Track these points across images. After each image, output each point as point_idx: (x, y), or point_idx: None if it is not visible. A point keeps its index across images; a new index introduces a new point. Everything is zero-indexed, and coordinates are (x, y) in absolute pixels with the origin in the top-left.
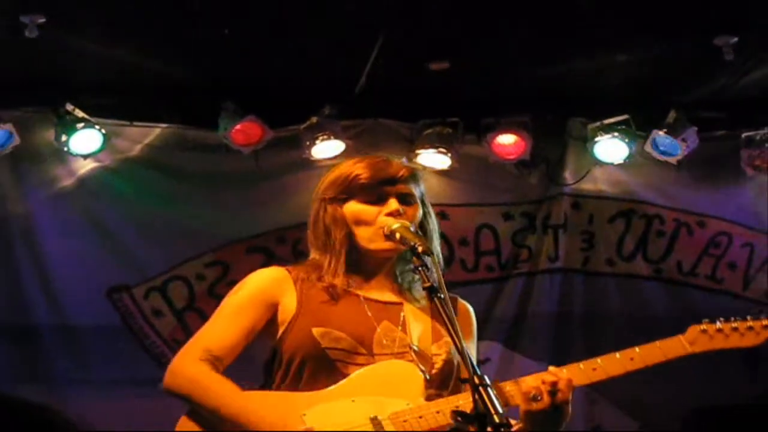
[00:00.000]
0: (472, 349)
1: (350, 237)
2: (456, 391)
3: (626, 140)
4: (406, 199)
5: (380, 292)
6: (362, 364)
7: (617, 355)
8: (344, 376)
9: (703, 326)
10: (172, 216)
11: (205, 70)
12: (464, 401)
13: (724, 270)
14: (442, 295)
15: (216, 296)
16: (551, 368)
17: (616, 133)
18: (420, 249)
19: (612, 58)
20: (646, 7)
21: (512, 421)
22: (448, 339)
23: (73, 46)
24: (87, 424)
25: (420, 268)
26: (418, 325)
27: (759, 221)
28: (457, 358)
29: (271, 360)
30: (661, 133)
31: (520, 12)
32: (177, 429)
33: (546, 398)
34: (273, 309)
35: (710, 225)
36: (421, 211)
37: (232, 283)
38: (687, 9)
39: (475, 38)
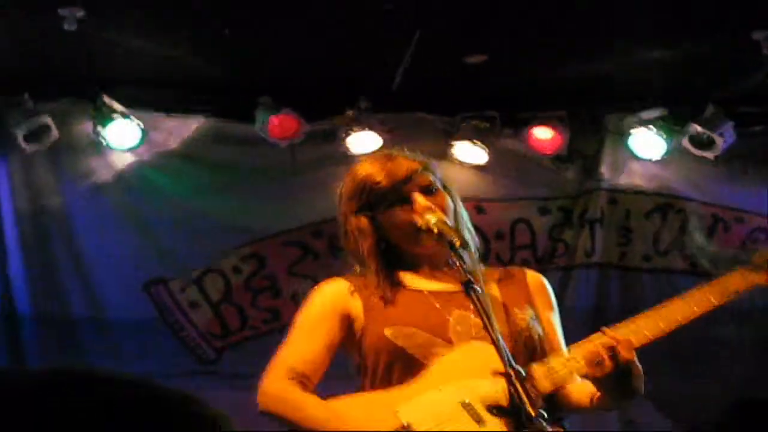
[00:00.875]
0: (555, 321)
1: (379, 244)
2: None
3: (663, 135)
4: (428, 190)
5: (441, 283)
6: (443, 354)
7: (679, 299)
8: (427, 368)
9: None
10: (208, 209)
11: (243, 64)
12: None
13: None
14: (479, 288)
15: (252, 289)
16: (606, 330)
17: (653, 128)
18: (457, 243)
19: (650, 53)
20: (684, 1)
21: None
22: (523, 314)
23: (111, 39)
24: None
25: (457, 263)
26: (493, 308)
27: None
28: (536, 330)
29: (358, 370)
30: (698, 127)
31: (558, 5)
32: None
33: (608, 362)
34: (346, 319)
35: (748, 221)
36: (449, 198)
37: (269, 278)
38: (725, 3)
39: (513, 32)
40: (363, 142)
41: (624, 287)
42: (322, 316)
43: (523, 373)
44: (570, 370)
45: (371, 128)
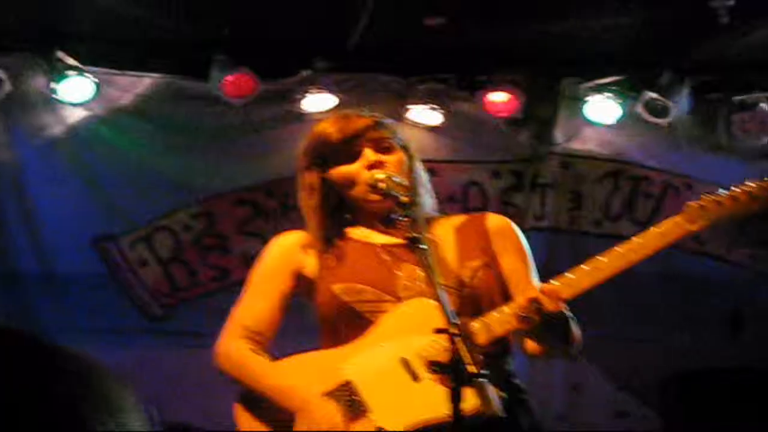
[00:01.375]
0: (521, 263)
1: (341, 199)
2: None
3: (618, 101)
4: (381, 145)
5: (393, 238)
6: (390, 310)
7: (617, 248)
8: (374, 325)
9: (701, 201)
10: (160, 166)
11: (198, 21)
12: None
13: (708, 233)
14: (423, 247)
15: (202, 247)
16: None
17: (608, 94)
18: (405, 199)
19: (607, 18)
20: None
21: None
22: (470, 263)
23: None
24: None
25: (402, 218)
26: (443, 260)
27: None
28: (485, 279)
29: (316, 326)
30: (653, 94)
31: None
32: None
33: (535, 316)
34: (298, 274)
35: (697, 188)
36: (404, 155)
37: (218, 236)
38: None
39: None
40: (318, 102)
41: (574, 252)
42: (274, 272)
43: (462, 330)
44: (504, 324)
45: (326, 89)
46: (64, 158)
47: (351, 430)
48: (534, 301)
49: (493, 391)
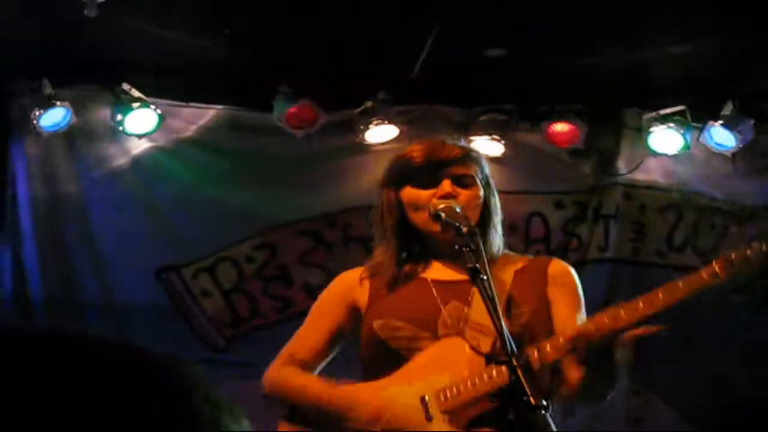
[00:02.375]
0: (573, 313)
1: (404, 222)
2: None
3: (681, 131)
4: (462, 181)
5: (449, 272)
6: (426, 348)
7: (662, 288)
8: (408, 362)
9: (729, 255)
10: (223, 197)
11: (262, 52)
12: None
13: None
14: (485, 277)
15: (264, 278)
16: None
17: (671, 124)
18: (465, 230)
19: (669, 47)
20: None
21: None
22: (525, 308)
23: (131, 26)
24: None
25: (464, 249)
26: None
27: None
28: (535, 325)
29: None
30: (716, 124)
31: None
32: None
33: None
34: (352, 309)
35: (761, 218)
36: (482, 192)
37: (281, 267)
38: None
39: (533, 25)
40: (380, 133)
41: (636, 283)
42: (330, 305)
43: (525, 362)
44: (558, 350)
45: (389, 120)
46: (127, 189)
47: None
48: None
49: (551, 423)
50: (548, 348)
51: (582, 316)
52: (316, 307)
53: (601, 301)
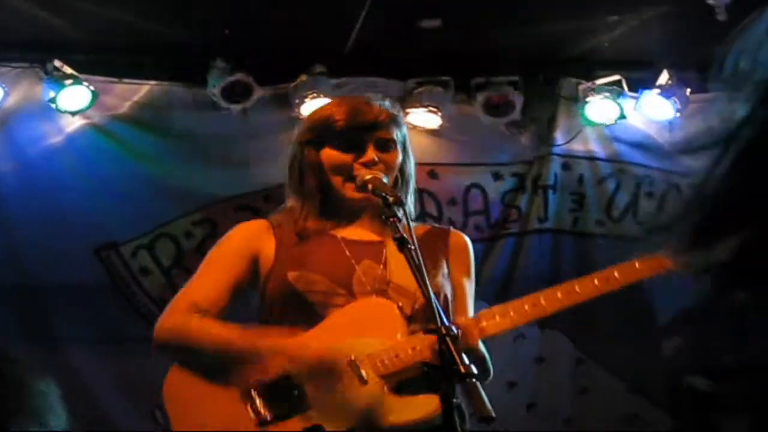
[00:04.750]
0: (468, 285)
1: (325, 182)
2: None
3: (618, 101)
4: (385, 145)
5: (361, 233)
6: (342, 305)
7: (594, 278)
8: (323, 318)
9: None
10: (160, 174)
11: (196, 26)
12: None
13: None
14: (412, 246)
15: (203, 254)
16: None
17: (607, 94)
18: (391, 200)
19: (605, 17)
20: None
21: None
22: (435, 271)
23: (62, 2)
24: (79, 383)
25: (391, 219)
26: (403, 262)
27: None
28: (446, 292)
29: (258, 311)
30: (653, 93)
31: None
32: (167, 380)
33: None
34: (254, 261)
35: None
36: (400, 157)
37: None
38: None
39: None
40: (316, 106)
41: (578, 253)
42: (231, 255)
43: (455, 331)
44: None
45: (324, 93)
46: (62, 167)
47: (288, 424)
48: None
49: (483, 392)
50: (488, 323)
51: (471, 288)
52: (215, 256)
53: (545, 271)
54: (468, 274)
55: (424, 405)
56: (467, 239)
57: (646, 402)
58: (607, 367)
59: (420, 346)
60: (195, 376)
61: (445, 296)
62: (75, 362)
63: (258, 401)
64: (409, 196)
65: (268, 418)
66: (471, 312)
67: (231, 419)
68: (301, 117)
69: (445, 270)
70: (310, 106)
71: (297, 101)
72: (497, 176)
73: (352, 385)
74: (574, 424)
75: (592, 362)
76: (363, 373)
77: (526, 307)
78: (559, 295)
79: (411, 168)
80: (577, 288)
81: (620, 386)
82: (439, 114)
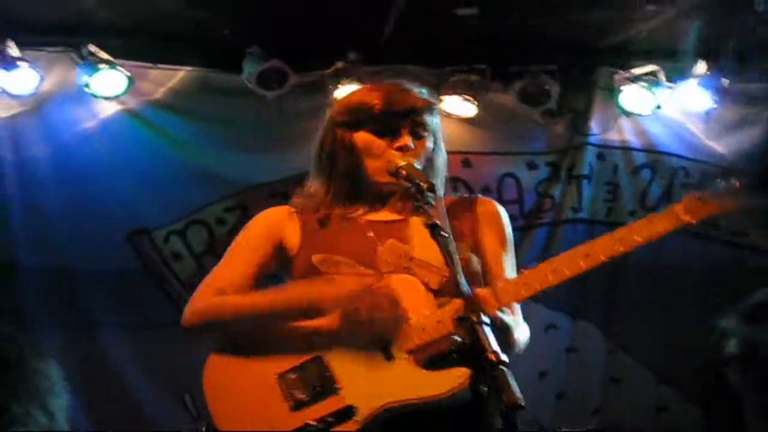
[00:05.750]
0: (503, 252)
1: (357, 165)
2: None
3: (654, 91)
4: (418, 132)
5: (385, 215)
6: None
7: (606, 237)
8: None
9: (699, 194)
10: (193, 160)
11: (231, 13)
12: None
13: (749, 223)
14: (445, 233)
15: None
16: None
17: (644, 84)
18: (424, 186)
19: (643, 7)
20: None
21: None
22: (463, 247)
23: None
24: (109, 366)
25: (423, 206)
26: (427, 238)
27: None
28: (475, 267)
29: None
30: (689, 84)
31: None
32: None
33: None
34: (279, 246)
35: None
36: (431, 144)
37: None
38: None
39: None
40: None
41: None
42: (255, 241)
43: (485, 319)
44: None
45: (359, 80)
46: (96, 152)
47: (322, 406)
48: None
49: (513, 380)
50: (506, 292)
51: (509, 255)
52: (240, 242)
53: None
54: (501, 241)
55: (453, 378)
56: (498, 205)
57: (675, 393)
58: (637, 357)
59: (444, 319)
60: (232, 360)
61: (474, 272)
62: (105, 346)
63: (292, 384)
64: (442, 182)
65: (305, 400)
66: (508, 275)
67: (266, 403)
68: (332, 103)
69: (473, 239)
70: (345, 93)
71: (332, 88)
72: (531, 165)
73: (380, 362)
74: (604, 414)
75: (623, 353)
76: (389, 348)
77: (548, 275)
78: (581, 262)
79: (442, 157)
80: (596, 248)
81: (650, 377)
82: (475, 102)
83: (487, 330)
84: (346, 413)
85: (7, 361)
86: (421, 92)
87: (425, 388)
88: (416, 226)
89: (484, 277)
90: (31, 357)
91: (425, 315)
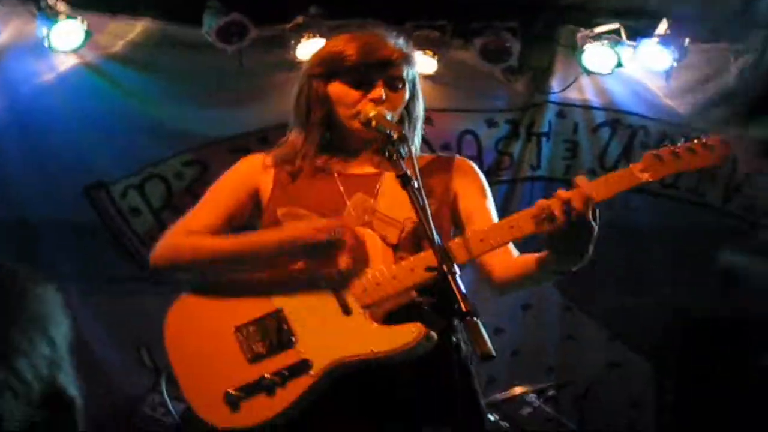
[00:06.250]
0: (487, 204)
1: (330, 116)
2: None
3: (615, 50)
4: (393, 84)
5: (361, 167)
6: None
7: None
8: None
9: (658, 152)
10: (151, 114)
11: None
12: (422, 263)
13: (706, 183)
14: (416, 184)
15: (194, 195)
16: (560, 190)
17: (605, 42)
18: (395, 136)
19: None
20: None
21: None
22: (435, 203)
23: None
24: None
25: (393, 156)
26: (395, 192)
27: None
28: (444, 222)
29: None
30: (651, 43)
31: None
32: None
33: (561, 217)
34: (253, 196)
35: (694, 137)
36: (407, 95)
37: (210, 183)
38: None
39: None
40: (312, 49)
41: None
42: (232, 187)
43: (456, 270)
44: (510, 232)
45: (320, 35)
46: (55, 106)
47: (279, 359)
48: (564, 202)
49: (484, 330)
50: (513, 222)
51: (490, 203)
52: (215, 188)
53: None
54: (483, 194)
55: (407, 334)
56: (472, 163)
57: (627, 350)
58: (592, 314)
59: (400, 275)
60: (194, 309)
61: (447, 229)
62: (63, 297)
63: (250, 337)
64: (415, 137)
65: (262, 353)
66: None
67: (224, 355)
68: (296, 59)
69: (447, 195)
70: (306, 47)
71: (293, 42)
72: (491, 123)
73: (337, 316)
74: (558, 371)
75: (578, 310)
76: (347, 302)
77: (509, 227)
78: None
79: (419, 109)
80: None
81: (603, 333)
82: (436, 59)
83: (458, 280)
84: (301, 367)
85: (5, 288)
86: (398, 44)
87: (379, 343)
88: (389, 180)
89: (469, 227)
90: (31, 283)
91: (381, 270)
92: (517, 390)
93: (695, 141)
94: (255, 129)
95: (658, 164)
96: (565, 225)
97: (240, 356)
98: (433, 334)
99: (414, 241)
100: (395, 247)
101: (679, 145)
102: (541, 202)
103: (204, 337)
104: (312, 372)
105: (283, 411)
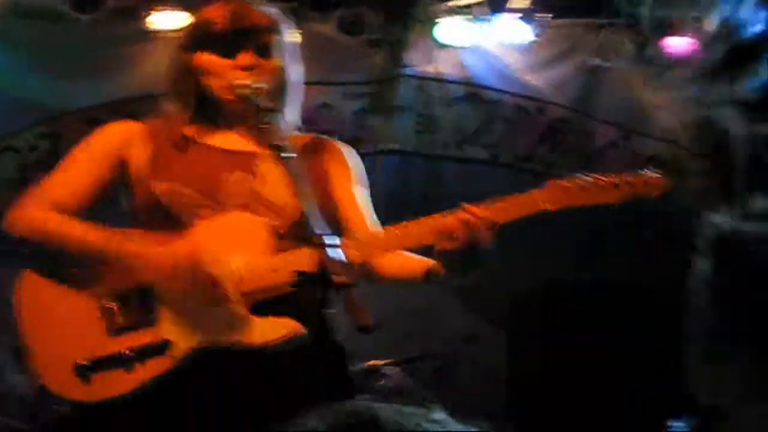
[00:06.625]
0: (361, 191)
1: (201, 87)
2: None
3: (473, 23)
4: (265, 51)
5: (238, 142)
6: (208, 217)
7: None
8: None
9: (565, 182)
10: (4, 85)
11: None
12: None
13: (559, 157)
14: (287, 154)
15: (48, 167)
16: (467, 206)
17: (463, 16)
18: (263, 106)
19: None
20: None
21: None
22: (315, 187)
23: None
24: None
25: (264, 126)
26: (277, 175)
27: (597, 111)
28: (322, 206)
29: (131, 217)
30: (511, 17)
31: None
32: (20, 284)
33: (462, 237)
34: (122, 165)
35: (549, 111)
36: (282, 64)
37: (65, 155)
38: None
39: None
40: (166, 19)
41: (426, 175)
42: (98, 154)
43: (336, 242)
44: (378, 245)
45: (174, 5)
46: None
47: (137, 335)
48: (468, 224)
49: (361, 301)
50: (414, 231)
51: (361, 191)
52: (80, 152)
53: (393, 192)
54: (356, 180)
55: (277, 329)
56: (344, 145)
57: (482, 321)
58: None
59: (281, 268)
60: (52, 281)
61: (323, 211)
62: None
63: (113, 312)
64: (293, 107)
65: (123, 327)
66: (373, 216)
67: (84, 328)
68: (149, 30)
69: (323, 179)
70: (158, 18)
71: (143, 13)
72: (349, 96)
73: (208, 301)
74: (412, 344)
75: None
76: (222, 289)
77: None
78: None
79: (296, 77)
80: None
81: (458, 305)
82: (295, 32)
83: (335, 252)
84: (161, 347)
85: None
86: (268, 11)
87: (249, 333)
88: (268, 161)
89: (337, 217)
90: None
91: (261, 260)
92: (374, 362)
93: (606, 178)
94: (109, 100)
95: (562, 195)
96: (464, 247)
97: (98, 328)
98: (305, 332)
99: (298, 231)
100: (278, 234)
101: (587, 178)
102: (446, 223)
103: (63, 311)
104: (172, 353)
105: (136, 388)
